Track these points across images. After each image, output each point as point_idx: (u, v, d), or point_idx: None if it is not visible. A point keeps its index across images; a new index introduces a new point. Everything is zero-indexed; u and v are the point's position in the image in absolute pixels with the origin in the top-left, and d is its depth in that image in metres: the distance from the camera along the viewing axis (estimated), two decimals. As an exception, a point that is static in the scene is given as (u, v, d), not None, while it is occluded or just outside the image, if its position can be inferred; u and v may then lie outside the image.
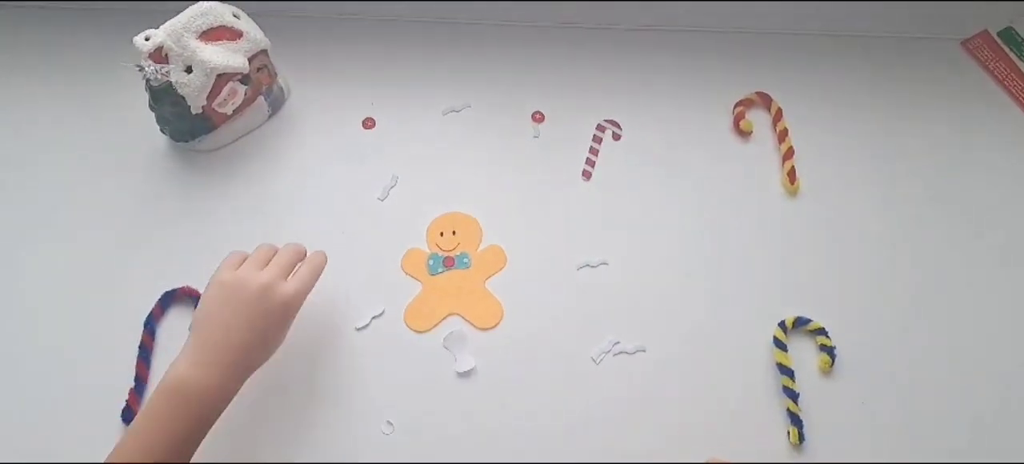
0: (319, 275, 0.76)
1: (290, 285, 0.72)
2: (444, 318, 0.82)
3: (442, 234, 0.87)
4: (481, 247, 0.86)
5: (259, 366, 0.72)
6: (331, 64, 0.99)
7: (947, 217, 0.88)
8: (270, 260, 0.75)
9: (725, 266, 0.85)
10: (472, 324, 0.82)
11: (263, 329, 0.71)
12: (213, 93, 0.84)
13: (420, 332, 0.81)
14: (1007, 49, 1.00)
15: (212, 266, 0.83)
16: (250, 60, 0.86)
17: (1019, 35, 1.01)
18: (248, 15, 0.88)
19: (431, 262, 0.85)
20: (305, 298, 0.74)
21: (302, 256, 0.77)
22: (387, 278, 0.84)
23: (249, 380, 0.74)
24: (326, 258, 0.78)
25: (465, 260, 0.85)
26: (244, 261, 0.74)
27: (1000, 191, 0.90)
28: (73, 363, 0.79)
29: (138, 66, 0.81)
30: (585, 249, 0.86)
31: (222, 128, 0.90)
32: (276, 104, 0.94)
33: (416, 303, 0.83)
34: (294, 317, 0.74)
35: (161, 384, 0.66)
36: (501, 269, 0.85)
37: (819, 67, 0.99)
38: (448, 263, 0.85)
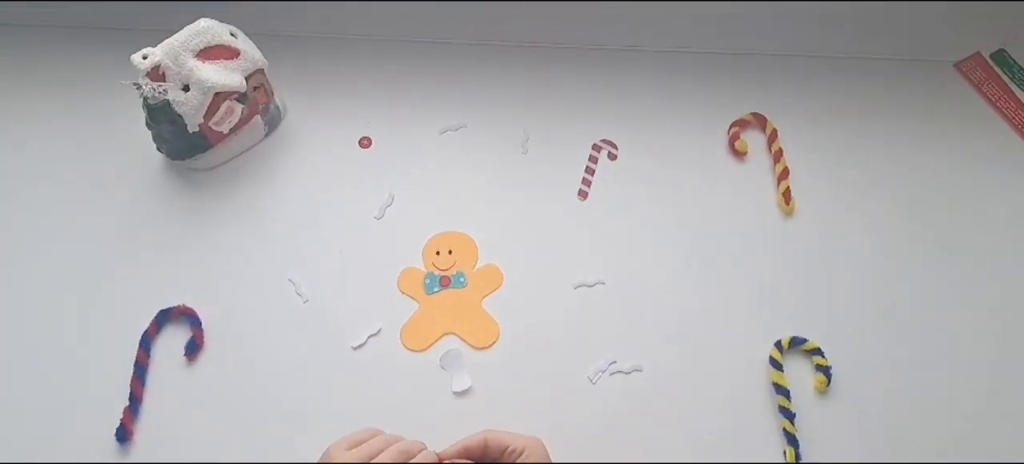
0: (406, 458, 0.67)
1: None
2: (440, 337, 0.82)
3: (438, 253, 0.87)
4: (477, 266, 0.86)
5: None
6: (328, 84, 0.99)
7: (941, 237, 0.88)
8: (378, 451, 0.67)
9: (721, 286, 0.85)
10: (468, 343, 0.82)
11: None
12: (210, 112, 0.84)
13: (416, 351, 0.81)
14: (1000, 71, 1.01)
15: (208, 284, 0.84)
16: (247, 79, 0.86)
17: (1011, 58, 1.01)
18: (245, 34, 0.88)
19: (427, 281, 0.85)
20: None
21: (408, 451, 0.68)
22: (383, 297, 0.84)
23: (244, 396, 0.73)
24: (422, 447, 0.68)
25: (461, 279, 0.85)
26: (358, 442, 0.68)
27: (993, 211, 0.90)
28: (68, 380, 0.79)
29: (135, 84, 0.82)
30: (581, 268, 0.86)
31: (219, 147, 0.90)
32: (273, 123, 0.94)
33: (412, 322, 0.83)
34: None
35: None
36: (497, 288, 0.85)
37: (814, 88, 0.99)
38: (444, 282, 0.85)
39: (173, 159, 0.91)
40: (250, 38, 0.88)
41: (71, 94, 0.97)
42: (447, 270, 0.86)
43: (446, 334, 0.82)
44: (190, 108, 0.82)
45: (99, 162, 0.92)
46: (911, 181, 0.92)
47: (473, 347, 0.81)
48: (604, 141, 0.95)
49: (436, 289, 0.85)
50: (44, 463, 0.74)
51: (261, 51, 0.88)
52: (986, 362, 0.81)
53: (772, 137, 0.94)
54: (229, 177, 0.91)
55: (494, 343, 0.82)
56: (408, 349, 0.81)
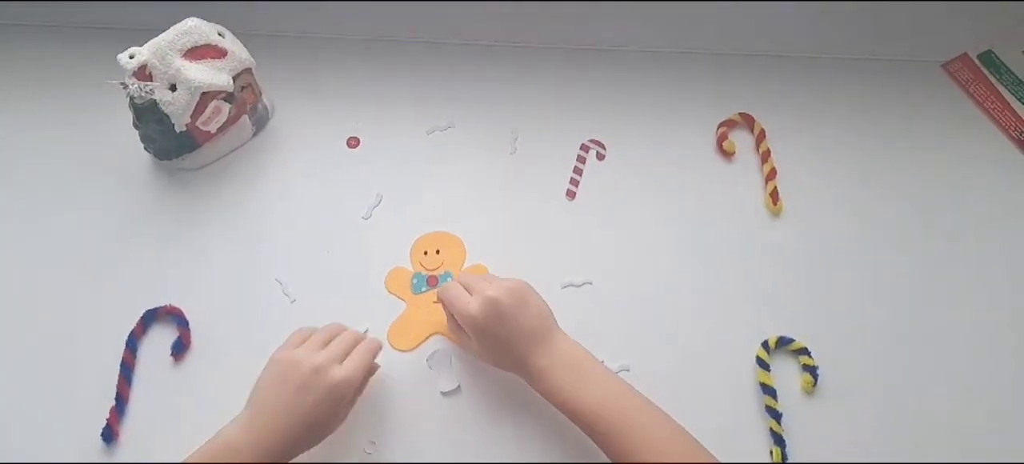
0: (373, 358, 0.74)
1: (342, 369, 0.70)
2: (428, 337, 0.82)
3: (426, 253, 0.87)
4: (465, 266, 0.86)
5: (311, 446, 0.70)
6: (315, 83, 0.99)
7: (928, 237, 0.89)
8: (331, 341, 0.73)
9: (708, 286, 0.85)
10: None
11: (309, 412, 0.68)
12: (197, 111, 0.84)
13: (404, 351, 0.81)
14: (987, 72, 1.01)
15: (195, 284, 0.84)
16: (235, 79, 0.86)
17: (999, 59, 1.02)
18: (233, 34, 0.88)
19: (415, 281, 0.85)
20: (359, 383, 0.72)
21: (359, 341, 0.75)
22: (371, 297, 0.84)
23: (231, 397, 0.73)
24: (380, 344, 0.76)
25: (449, 279, 0.85)
26: (306, 339, 0.73)
27: (980, 211, 0.91)
28: (54, 380, 0.78)
29: (122, 84, 0.81)
30: (569, 268, 0.86)
31: (206, 146, 0.90)
32: (260, 123, 0.94)
33: (400, 322, 0.83)
34: (347, 402, 0.72)
35: (210, 444, 0.67)
36: (485, 288, 0.85)
37: (802, 89, 0.99)
38: (432, 282, 0.85)
39: (160, 159, 0.90)
40: (238, 38, 0.88)
41: (57, 93, 0.97)
42: (435, 270, 0.86)
43: (433, 334, 0.82)
44: (177, 108, 0.82)
45: (86, 162, 0.91)
46: (898, 181, 0.93)
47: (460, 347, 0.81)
48: (592, 141, 0.95)
49: (424, 289, 0.85)
50: (30, 463, 0.74)
51: (248, 50, 0.88)
52: (971, 360, 0.81)
53: (760, 137, 0.95)
54: (216, 177, 0.91)
55: (481, 343, 0.82)
56: (395, 349, 0.81)
